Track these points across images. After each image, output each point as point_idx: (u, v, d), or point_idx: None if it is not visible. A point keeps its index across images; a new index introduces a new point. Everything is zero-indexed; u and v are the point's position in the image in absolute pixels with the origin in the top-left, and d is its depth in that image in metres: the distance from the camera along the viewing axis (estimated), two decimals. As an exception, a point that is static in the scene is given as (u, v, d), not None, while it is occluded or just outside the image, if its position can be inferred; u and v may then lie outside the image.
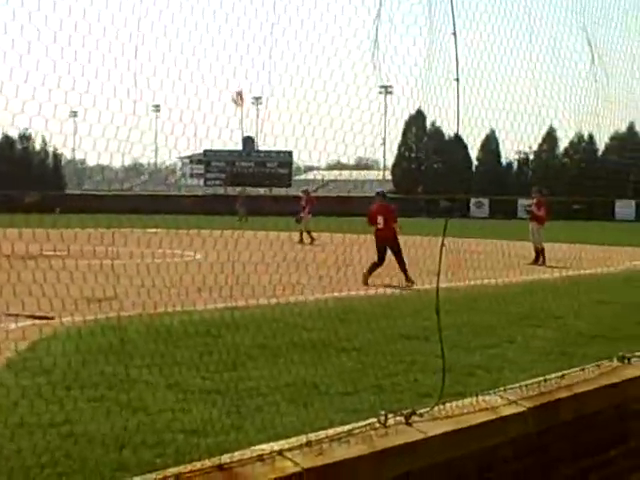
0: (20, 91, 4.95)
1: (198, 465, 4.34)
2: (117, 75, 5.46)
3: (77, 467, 5.33)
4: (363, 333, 9.86)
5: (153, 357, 8.07)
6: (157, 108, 5.77)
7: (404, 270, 17.43)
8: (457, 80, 6.48)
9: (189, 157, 78.65)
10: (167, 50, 5.72)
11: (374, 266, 17.53)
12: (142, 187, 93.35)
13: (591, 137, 60.14)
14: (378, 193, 21.01)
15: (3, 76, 4.69)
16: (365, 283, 15.91)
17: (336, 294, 11.26)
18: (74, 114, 5.45)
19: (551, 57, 8.26)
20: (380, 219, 18.96)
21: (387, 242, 18.37)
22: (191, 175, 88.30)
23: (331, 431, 5.12)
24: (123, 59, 5.48)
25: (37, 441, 5.64)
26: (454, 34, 6.46)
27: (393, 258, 18.10)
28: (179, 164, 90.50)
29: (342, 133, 6.41)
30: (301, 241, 31.17)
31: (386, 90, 6.93)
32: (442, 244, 6.70)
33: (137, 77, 5.56)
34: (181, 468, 4.26)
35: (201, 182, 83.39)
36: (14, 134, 65.06)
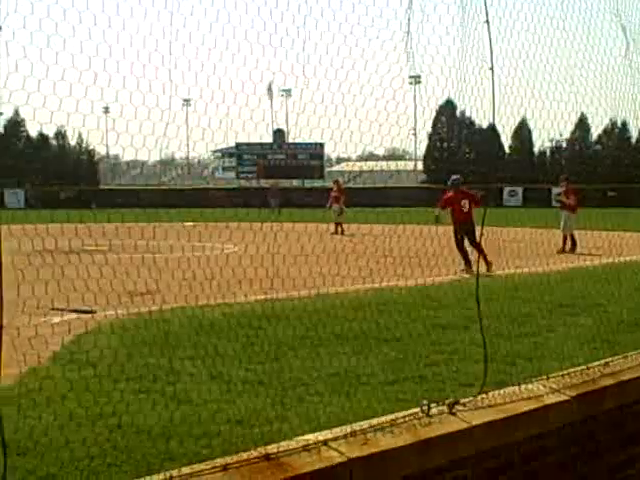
0: (57, 88, 5.03)
1: (245, 455, 4.39)
2: (145, 69, 5.51)
3: (125, 458, 5.39)
4: (404, 323, 9.88)
5: (196, 349, 8.16)
6: (188, 102, 5.81)
7: (484, 255, 17.12)
8: (491, 69, 6.46)
9: (221, 150, 78.89)
10: (200, 44, 5.76)
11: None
12: (176, 181, 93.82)
13: (624, 124, 59.55)
14: (453, 182, 20.71)
15: (40, 74, 4.75)
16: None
17: (376, 285, 11.25)
18: (107, 110, 5.53)
19: (585, 43, 8.18)
20: (465, 203, 19.69)
21: (466, 227, 18.65)
22: (224, 168, 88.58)
23: (375, 421, 5.14)
24: (156, 54, 5.54)
25: (86, 433, 5.73)
26: (487, 22, 6.44)
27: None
28: (212, 158, 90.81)
29: (372, 124, 6.42)
30: (336, 232, 31.25)
31: (415, 80, 6.91)
32: (481, 233, 6.65)
33: (167, 72, 5.63)
34: (228, 459, 4.31)
35: (233, 175, 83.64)
36: (50, 131, 65.80)
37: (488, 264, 17.41)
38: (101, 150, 75.75)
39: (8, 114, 57.69)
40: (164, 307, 9.05)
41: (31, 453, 5.05)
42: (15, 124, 61.07)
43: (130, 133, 5.58)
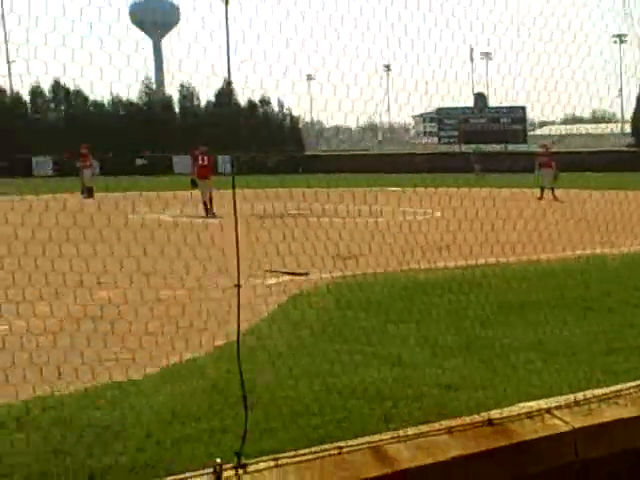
0: (268, 55, 5.20)
1: (467, 420, 4.41)
2: (348, 36, 5.57)
3: (341, 417, 5.54)
4: (615, 292, 9.53)
5: (404, 313, 8.25)
6: (389, 68, 5.81)
7: None
8: None
9: (422, 115, 78.53)
10: (403, 8, 5.76)
11: None
12: (378, 147, 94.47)
13: None
14: None
15: (251, 42, 4.92)
16: None
17: (585, 252, 10.90)
18: (309, 77, 5.66)
19: None
20: None
21: None
22: (424, 133, 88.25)
23: (598, 391, 5.02)
24: (362, 19, 5.59)
25: (303, 390, 5.96)
26: None
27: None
28: (412, 123, 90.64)
29: (575, 84, 6.19)
30: (541, 197, 30.48)
31: (620, 39, 6.58)
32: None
33: (371, 37, 5.66)
34: (451, 421, 4.35)
35: (435, 140, 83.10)
36: (255, 98, 67.65)
37: None
38: (305, 116, 77.22)
39: (218, 84, 59.89)
40: (368, 271, 9.19)
41: (255, 407, 5.30)
42: (221, 94, 63.28)
43: (335, 99, 5.72)
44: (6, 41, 9.50)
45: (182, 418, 5.46)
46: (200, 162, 24.63)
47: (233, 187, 5.09)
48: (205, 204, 22.46)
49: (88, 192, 28.88)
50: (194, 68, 5.58)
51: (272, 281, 8.12)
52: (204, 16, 5.44)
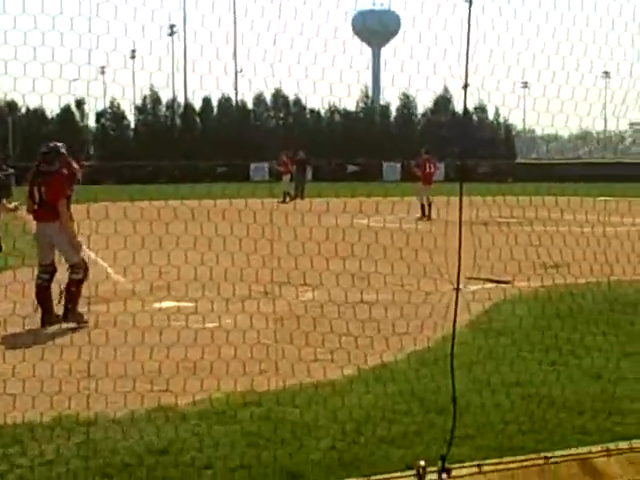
0: (484, 66, 5.20)
1: None
2: (567, 46, 5.48)
3: (538, 428, 5.42)
4: None
5: (608, 325, 7.92)
6: (608, 75, 5.66)
7: None
8: None
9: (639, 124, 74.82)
10: (617, 15, 5.59)
11: None
12: (590, 155, 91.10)
13: None
14: None
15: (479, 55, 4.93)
16: None
17: None
18: (525, 85, 5.60)
19: None
20: None
21: None
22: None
23: None
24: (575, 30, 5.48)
25: (501, 399, 5.87)
26: None
27: None
28: (629, 131, 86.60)
29: None
30: None
31: None
32: None
33: (588, 46, 5.54)
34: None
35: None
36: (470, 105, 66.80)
37: None
38: (518, 124, 75.67)
39: (438, 91, 59.56)
40: (574, 281, 8.91)
41: (447, 413, 5.28)
42: (438, 102, 63.06)
43: (548, 108, 5.65)
44: (235, 55, 10.07)
45: (377, 420, 5.53)
46: (427, 169, 25.18)
47: (460, 194, 5.10)
48: (423, 207, 22.95)
49: (285, 196, 29.89)
50: (414, 74, 5.69)
51: (474, 288, 8.04)
52: (423, 25, 5.54)
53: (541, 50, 5.71)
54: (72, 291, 8.79)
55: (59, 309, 8.96)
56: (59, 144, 9.28)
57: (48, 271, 8.98)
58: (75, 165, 9.38)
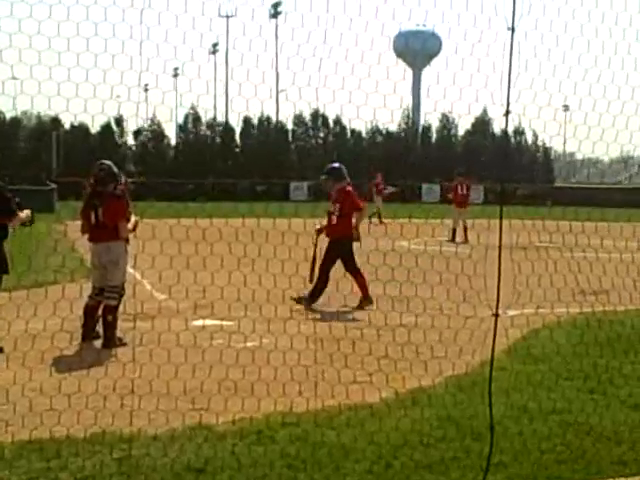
0: (525, 90, 5.27)
1: None
2: (609, 74, 5.53)
3: (575, 457, 5.41)
4: None
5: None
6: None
7: None
8: None
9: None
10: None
11: None
12: (630, 180, 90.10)
13: None
14: None
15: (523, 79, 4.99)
16: None
17: None
18: (566, 108, 5.66)
19: None
20: None
21: None
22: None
23: None
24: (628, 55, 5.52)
25: (538, 426, 5.88)
26: None
27: None
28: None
29: None
30: None
31: None
32: None
33: (630, 75, 5.59)
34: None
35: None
36: (509, 128, 66.20)
37: None
38: (558, 148, 75.14)
39: (476, 113, 59.40)
40: (614, 308, 8.89)
41: (484, 439, 5.31)
42: (476, 124, 62.91)
43: (589, 135, 5.70)
44: (277, 74, 10.24)
45: (413, 444, 5.56)
46: (460, 191, 24.94)
47: (500, 218, 5.15)
48: (454, 231, 22.74)
49: (376, 216, 29.40)
50: (457, 100, 5.78)
51: (514, 313, 8.05)
52: (466, 51, 5.63)
53: (582, 78, 5.77)
54: (109, 320, 8.83)
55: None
56: (111, 164, 9.35)
57: (102, 294, 9.04)
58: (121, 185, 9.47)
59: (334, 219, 11.17)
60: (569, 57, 5.78)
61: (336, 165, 12.01)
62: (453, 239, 22.23)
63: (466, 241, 21.16)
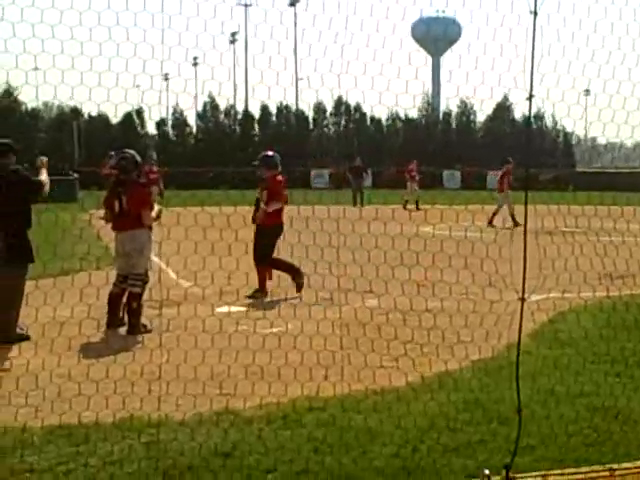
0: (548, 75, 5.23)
1: None
2: (633, 57, 5.48)
3: (602, 440, 5.40)
4: None
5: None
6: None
7: None
8: None
9: None
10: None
11: None
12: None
13: None
14: None
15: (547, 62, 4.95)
16: None
17: None
18: (588, 92, 5.62)
19: None
20: None
21: None
22: None
23: None
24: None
25: (565, 410, 5.86)
26: None
27: None
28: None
29: None
30: None
31: None
32: None
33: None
34: None
35: None
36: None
37: None
38: (579, 133, 74.54)
39: (498, 99, 58.91)
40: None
41: (511, 423, 5.30)
42: (497, 109, 62.40)
43: (613, 118, 5.66)
44: (296, 61, 10.24)
45: (440, 428, 5.57)
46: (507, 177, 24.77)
47: (525, 203, 5.14)
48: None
49: (406, 204, 28.93)
50: (479, 85, 5.74)
51: (540, 297, 8.01)
52: (488, 36, 5.60)
53: (606, 61, 5.71)
54: (133, 307, 8.92)
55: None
56: (134, 152, 9.43)
57: (126, 281, 9.11)
58: (153, 175, 9.53)
59: (262, 206, 11.40)
60: (593, 40, 5.73)
61: (270, 153, 12.09)
62: (516, 223, 21.65)
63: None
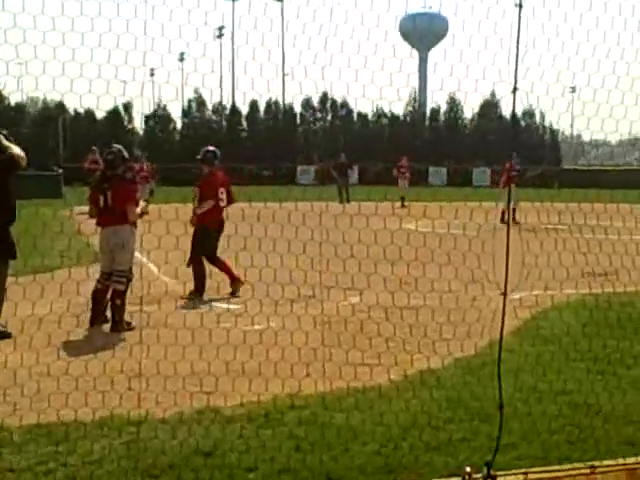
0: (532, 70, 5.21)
1: None
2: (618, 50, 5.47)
3: (584, 437, 5.37)
4: None
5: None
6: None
7: None
8: None
9: (696, 127, 73.44)
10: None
11: None
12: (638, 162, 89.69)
13: None
14: None
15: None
16: None
17: None
18: (572, 90, 5.61)
19: None
20: None
21: None
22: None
23: None
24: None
25: (547, 407, 5.85)
26: None
27: None
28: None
29: None
30: None
31: None
32: None
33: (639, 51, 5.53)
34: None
35: None
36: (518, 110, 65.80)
37: None
38: (565, 130, 74.68)
39: (486, 95, 59.03)
40: (623, 289, 8.83)
41: (493, 420, 5.28)
42: (485, 106, 62.42)
43: (597, 112, 5.64)
44: (283, 57, 10.22)
45: (422, 425, 5.54)
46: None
47: (508, 200, 5.12)
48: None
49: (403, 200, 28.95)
50: (463, 78, 5.71)
51: (523, 293, 7.99)
52: (473, 29, 5.56)
53: (591, 54, 5.69)
54: (117, 304, 8.84)
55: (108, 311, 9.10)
56: (121, 147, 9.35)
57: (110, 278, 9.03)
58: (143, 173, 9.46)
59: (196, 204, 11.03)
60: (577, 33, 5.70)
61: (210, 148, 11.70)
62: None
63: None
